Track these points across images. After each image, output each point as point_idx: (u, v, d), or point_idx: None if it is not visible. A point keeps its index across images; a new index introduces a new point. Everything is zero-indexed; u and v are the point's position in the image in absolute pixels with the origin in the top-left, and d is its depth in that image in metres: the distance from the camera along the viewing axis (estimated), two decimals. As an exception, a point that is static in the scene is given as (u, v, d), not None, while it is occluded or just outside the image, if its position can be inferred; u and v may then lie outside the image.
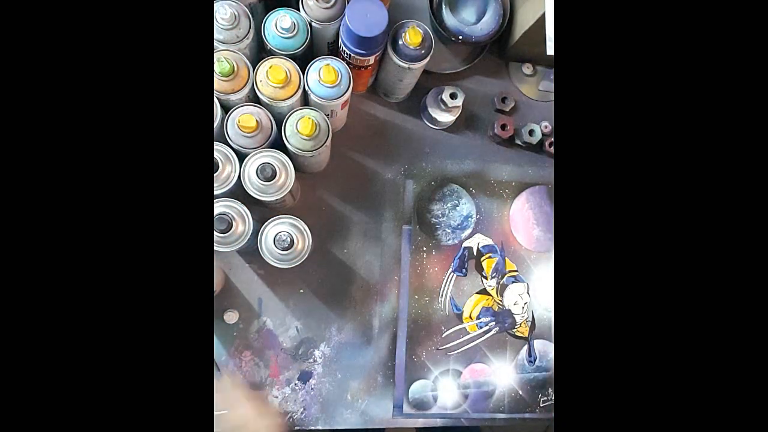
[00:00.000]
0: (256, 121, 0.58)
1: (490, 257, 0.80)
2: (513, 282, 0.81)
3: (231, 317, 0.70)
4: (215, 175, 0.57)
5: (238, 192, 0.60)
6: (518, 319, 0.80)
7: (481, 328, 0.79)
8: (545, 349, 0.81)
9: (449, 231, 0.80)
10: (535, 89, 0.84)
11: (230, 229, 0.57)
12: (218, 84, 0.58)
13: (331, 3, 0.60)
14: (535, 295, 0.81)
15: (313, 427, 0.71)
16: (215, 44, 0.58)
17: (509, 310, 0.80)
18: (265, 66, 0.59)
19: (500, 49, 0.83)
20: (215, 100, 0.58)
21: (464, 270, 0.79)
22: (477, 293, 0.79)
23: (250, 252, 0.65)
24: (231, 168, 0.59)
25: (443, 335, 0.78)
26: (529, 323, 0.80)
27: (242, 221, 0.59)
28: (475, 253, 0.80)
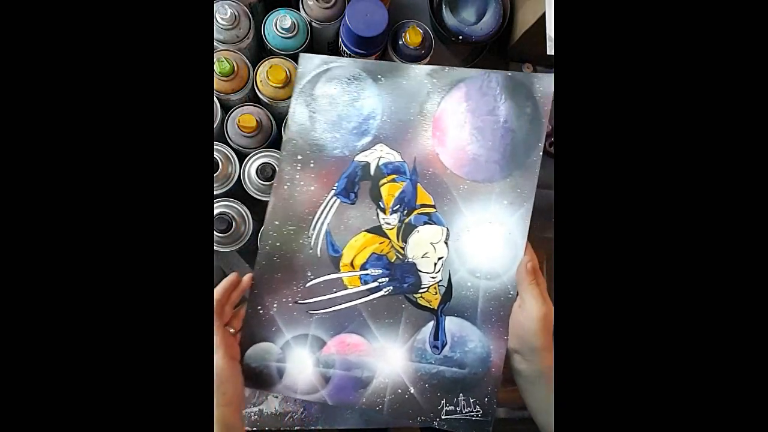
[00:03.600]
0: (256, 121, 0.58)
1: (393, 181, 0.55)
2: (425, 223, 0.55)
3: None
4: (215, 175, 0.57)
5: (238, 192, 0.60)
6: (426, 279, 0.54)
7: (365, 283, 0.55)
8: (462, 333, 0.54)
9: (338, 136, 0.56)
10: (535, 89, 0.84)
11: (230, 229, 0.57)
12: (218, 84, 0.58)
13: (331, 3, 0.60)
14: (458, 248, 0.54)
15: (313, 427, 0.71)
16: (215, 44, 0.58)
17: (413, 264, 0.55)
18: (265, 66, 0.59)
19: (500, 49, 0.83)
20: (215, 100, 0.58)
21: (353, 195, 0.55)
22: (367, 232, 0.55)
23: (250, 252, 0.65)
24: (231, 168, 0.59)
25: (307, 285, 0.55)
26: (442, 289, 0.54)
27: (242, 221, 0.59)
28: (372, 173, 0.56)
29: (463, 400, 0.53)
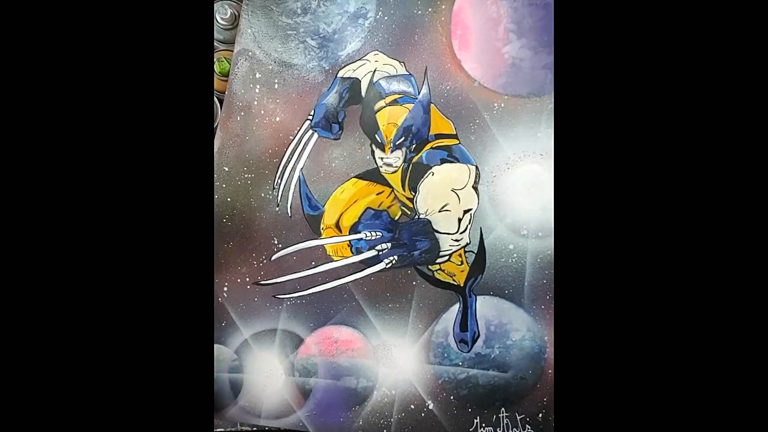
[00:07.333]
0: (256, 121, 0.58)
1: (395, 103, 0.39)
2: (443, 161, 0.39)
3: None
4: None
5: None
6: (446, 243, 0.38)
7: (358, 252, 0.39)
8: (502, 319, 0.38)
9: (314, 45, 0.40)
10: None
11: (230, 229, 0.57)
12: (218, 84, 0.58)
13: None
14: (493, 196, 0.38)
15: None
16: (215, 44, 0.58)
17: (427, 222, 0.38)
18: (265, 66, 0.59)
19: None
20: (215, 100, 0.58)
21: (336, 126, 0.39)
22: (359, 178, 0.39)
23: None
24: (231, 168, 0.59)
25: (273, 257, 0.40)
26: (471, 257, 0.38)
27: (242, 221, 0.59)
28: (363, 93, 0.39)
29: (507, 417, 0.38)
